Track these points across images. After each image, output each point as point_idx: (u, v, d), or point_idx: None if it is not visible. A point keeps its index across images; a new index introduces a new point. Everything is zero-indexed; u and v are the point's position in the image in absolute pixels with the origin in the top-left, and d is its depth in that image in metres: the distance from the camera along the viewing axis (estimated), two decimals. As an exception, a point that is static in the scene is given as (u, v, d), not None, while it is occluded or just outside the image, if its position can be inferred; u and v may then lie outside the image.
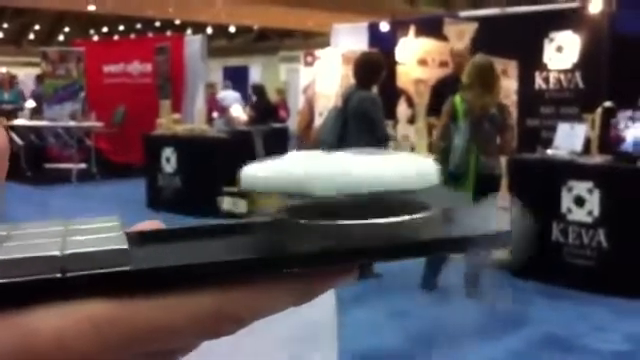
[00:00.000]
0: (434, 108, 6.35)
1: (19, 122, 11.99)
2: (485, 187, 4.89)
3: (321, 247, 0.30)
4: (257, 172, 0.32)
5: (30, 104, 12.98)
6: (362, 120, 5.22)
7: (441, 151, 5.08)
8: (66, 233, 0.29)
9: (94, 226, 0.30)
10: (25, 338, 0.26)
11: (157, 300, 0.28)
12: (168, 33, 22.48)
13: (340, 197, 0.30)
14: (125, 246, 0.28)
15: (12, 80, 13.77)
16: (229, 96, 12.97)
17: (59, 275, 0.27)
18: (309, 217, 0.31)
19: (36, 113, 12.51)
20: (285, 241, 0.30)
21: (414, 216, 0.31)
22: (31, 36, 28.84)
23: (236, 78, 17.58)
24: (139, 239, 0.30)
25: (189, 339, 0.30)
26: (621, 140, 5.50)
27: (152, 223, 0.34)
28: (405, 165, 0.32)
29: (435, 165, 0.34)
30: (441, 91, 6.28)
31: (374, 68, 5.45)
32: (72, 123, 11.74)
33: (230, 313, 0.30)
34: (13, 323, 0.26)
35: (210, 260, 0.29)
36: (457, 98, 5.04)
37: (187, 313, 0.29)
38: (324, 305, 1.99)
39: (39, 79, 13.30)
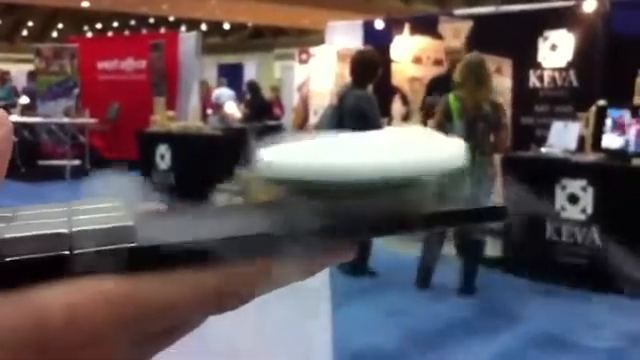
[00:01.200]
0: (427, 106, 6.36)
1: (12, 119, 11.92)
2: (479, 186, 4.88)
3: (320, 225, 0.30)
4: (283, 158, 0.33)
5: (24, 100, 12.94)
6: (358, 119, 5.22)
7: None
8: (71, 213, 0.30)
9: (98, 206, 0.31)
10: (37, 314, 0.26)
11: (163, 276, 0.29)
12: (162, 30, 22.45)
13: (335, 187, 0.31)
14: (131, 223, 0.28)
15: (4, 76, 13.72)
16: (224, 94, 12.95)
17: (67, 252, 0.27)
18: (309, 197, 0.32)
19: (27, 109, 12.47)
20: (285, 219, 0.31)
21: (410, 193, 0.32)
22: (24, 32, 28.75)
23: (231, 75, 17.54)
24: (143, 218, 0.30)
25: (194, 314, 0.31)
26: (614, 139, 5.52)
27: (153, 205, 0.35)
28: (428, 149, 0.33)
29: (460, 147, 0.35)
30: (435, 89, 6.29)
31: (370, 66, 5.44)
32: (66, 119, 11.70)
33: (233, 289, 0.30)
34: (24, 300, 0.26)
35: (213, 237, 0.29)
36: (451, 97, 5.04)
37: (193, 289, 0.29)
38: (319, 305, 1.99)
39: (31, 75, 13.26)
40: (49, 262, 0.27)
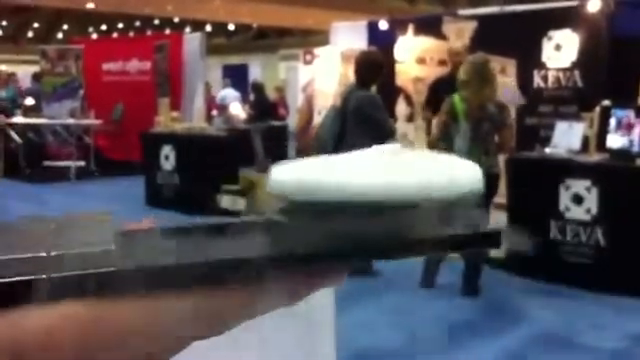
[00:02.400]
0: (431, 105, 6.35)
1: (18, 120, 11.98)
2: (485, 186, 4.88)
3: (309, 248, 0.30)
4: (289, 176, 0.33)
5: (30, 102, 12.98)
6: (361, 120, 5.22)
7: (442, 152, 5.06)
8: (55, 232, 0.30)
9: (84, 224, 0.31)
10: (13, 336, 0.26)
11: (141, 300, 0.28)
12: (167, 31, 22.47)
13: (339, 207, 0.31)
14: (111, 247, 0.28)
15: (9, 78, 13.76)
16: (229, 94, 12.96)
17: (45, 276, 0.27)
18: (299, 219, 0.31)
19: (31, 111, 12.50)
20: (273, 242, 0.30)
21: (403, 217, 0.31)
22: (30, 34, 28.80)
23: (235, 76, 17.55)
24: (127, 238, 0.30)
25: (173, 340, 0.30)
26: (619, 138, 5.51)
27: (147, 221, 0.34)
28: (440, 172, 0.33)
29: (473, 171, 0.34)
30: (439, 90, 6.28)
31: (374, 67, 5.44)
32: (71, 121, 11.73)
33: (215, 315, 0.29)
34: (1, 322, 0.27)
35: (194, 261, 0.29)
36: (456, 97, 5.04)
37: (171, 314, 0.29)
38: (323, 304, 1.99)
39: (35, 77, 13.29)
40: (27, 285, 0.27)
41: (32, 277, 0.27)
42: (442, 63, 7.87)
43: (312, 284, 0.32)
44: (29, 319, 0.27)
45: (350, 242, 0.30)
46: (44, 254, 0.28)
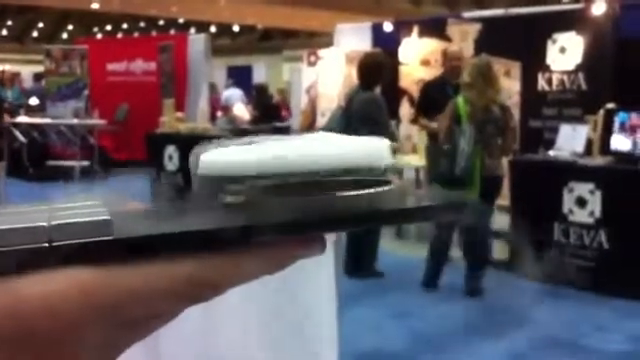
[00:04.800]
0: (423, 109, 6.33)
1: (22, 119, 12.01)
2: (487, 189, 4.89)
3: (288, 218, 0.32)
4: (221, 157, 0.35)
5: (34, 101, 13.00)
6: (365, 122, 5.23)
7: (445, 155, 5.07)
8: (51, 209, 0.31)
9: (77, 204, 0.32)
10: (13, 304, 0.27)
11: (138, 267, 0.29)
12: (172, 32, 22.50)
13: (310, 176, 0.33)
14: (108, 217, 0.29)
15: (14, 78, 13.79)
16: (234, 94, 12.97)
17: (46, 244, 0.28)
18: (279, 194, 0.33)
19: (34, 111, 12.53)
20: (256, 214, 0.32)
21: (372, 190, 0.33)
22: (35, 34, 28.87)
23: (240, 77, 17.54)
24: (121, 214, 0.31)
25: (169, 304, 0.31)
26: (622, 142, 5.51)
27: (134, 204, 0.35)
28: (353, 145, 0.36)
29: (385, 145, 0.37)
30: (430, 92, 6.27)
31: (377, 69, 5.45)
32: (75, 121, 11.75)
33: (205, 279, 0.31)
34: (2, 290, 0.27)
35: (186, 230, 0.30)
36: (459, 100, 5.03)
37: (166, 279, 0.30)
38: (325, 306, 1.99)
39: (37, 77, 13.31)
40: (27, 254, 0.28)
41: (33, 245, 0.28)
42: (446, 65, 7.87)
43: (293, 252, 0.34)
44: (30, 286, 0.27)
45: (324, 212, 0.32)
46: (44, 224, 0.28)
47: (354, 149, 0.35)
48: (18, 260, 0.27)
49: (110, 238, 0.29)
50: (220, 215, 0.33)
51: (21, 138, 11.62)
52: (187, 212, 0.34)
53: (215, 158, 0.36)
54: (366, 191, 0.33)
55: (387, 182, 0.34)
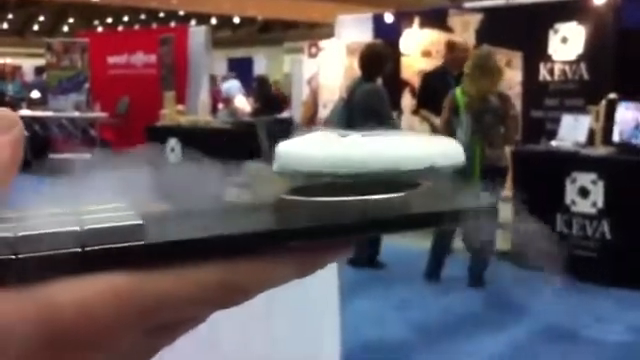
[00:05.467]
0: (423, 100, 6.33)
1: (23, 113, 12.01)
2: (490, 179, 4.88)
3: (319, 222, 0.31)
4: (299, 151, 0.35)
5: (35, 95, 13.00)
6: (368, 113, 5.23)
7: None
8: (81, 212, 0.30)
9: (106, 206, 0.31)
10: (48, 310, 0.27)
11: (170, 271, 0.29)
12: (172, 24, 22.47)
13: (341, 176, 0.33)
14: (140, 221, 0.29)
15: (15, 71, 13.79)
16: (233, 86, 12.96)
17: (79, 249, 0.28)
18: (309, 195, 0.33)
19: (36, 104, 12.53)
20: (286, 217, 0.32)
21: (402, 193, 0.33)
22: (35, 27, 28.84)
23: (240, 69, 17.54)
24: (150, 217, 0.30)
25: (200, 308, 0.32)
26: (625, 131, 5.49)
27: (159, 205, 0.35)
28: (420, 145, 0.34)
29: (455, 145, 0.36)
30: (430, 83, 6.26)
31: (379, 60, 5.45)
32: (76, 114, 11.75)
33: (236, 284, 0.31)
34: (37, 296, 0.27)
35: (217, 234, 0.30)
36: (458, 91, 5.04)
37: (197, 284, 0.30)
38: (328, 297, 2.00)
39: (38, 71, 13.30)
40: (61, 259, 0.27)
41: (67, 250, 0.28)
42: (448, 56, 7.85)
43: (322, 257, 0.34)
44: (66, 292, 0.27)
45: (353, 216, 0.32)
46: (77, 228, 0.28)
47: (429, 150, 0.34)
48: (52, 266, 0.27)
49: (142, 243, 0.29)
50: (252, 218, 0.33)
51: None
52: (217, 214, 0.34)
53: (289, 149, 0.36)
54: (396, 195, 0.33)
55: (416, 185, 0.34)
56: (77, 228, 0.28)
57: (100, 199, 0.32)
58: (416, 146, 0.34)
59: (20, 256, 0.27)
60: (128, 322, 0.29)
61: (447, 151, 0.35)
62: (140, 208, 0.31)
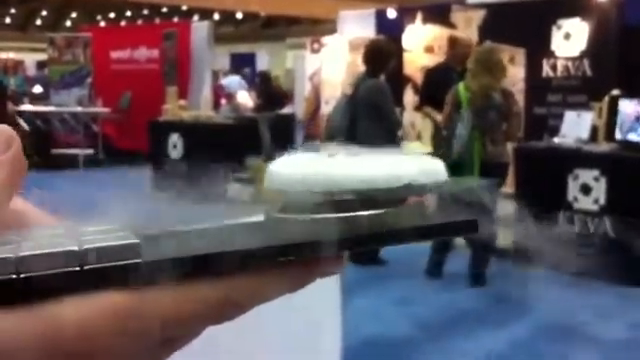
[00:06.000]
0: (426, 96, 6.32)
1: (26, 107, 12.02)
2: (492, 175, 4.88)
3: (311, 238, 0.32)
4: (285, 170, 0.36)
5: (37, 89, 13.01)
6: (371, 109, 5.22)
7: (444, 140, 5.08)
8: (79, 233, 0.31)
9: (102, 228, 0.32)
10: (49, 329, 0.27)
11: (167, 289, 0.30)
12: (175, 19, 22.47)
13: (330, 194, 0.34)
14: (137, 240, 0.30)
15: (17, 66, 13.80)
16: (233, 82, 12.96)
17: (78, 268, 0.28)
18: (301, 212, 0.34)
19: (38, 99, 12.54)
20: (279, 234, 0.33)
21: (392, 209, 0.34)
22: (38, 22, 28.84)
23: (243, 65, 17.55)
24: (146, 237, 0.31)
25: (196, 325, 0.32)
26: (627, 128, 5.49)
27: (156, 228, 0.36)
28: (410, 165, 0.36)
29: (440, 165, 0.37)
30: (433, 79, 6.25)
31: (383, 55, 5.44)
32: (79, 109, 11.76)
33: (233, 299, 0.32)
34: (37, 314, 0.27)
35: (213, 252, 0.31)
36: (461, 87, 5.03)
37: (195, 300, 0.31)
38: (329, 293, 2.00)
39: (40, 65, 13.30)
40: (61, 278, 0.28)
41: (66, 270, 0.28)
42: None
43: (312, 272, 0.34)
44: (66, 312, 0.28)
45: (346, 231, 0.33)
46: (76, 248, 0.29)
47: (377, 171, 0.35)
48: (52, 284, 0.28)
49: (139, 261, 0.29)
50: (247, 234, 0.34)
51: (25, 126, 11.64)
52: (215, 232, 0.34)
53: (277, 170, 0.37)
54: (386, 210, 0.34)
55: (402, 201, 0.35)
56: (76, 248, 0.29)
57: (98, 222, 0.33)
58: (395, 165, 0.35)
59: (22, 275, 0.28)
60: (126, 339, 0.29)
61: (427, 169, 0.36)
62: (137, 229, 0.32)
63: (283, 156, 0.37)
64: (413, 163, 0.36)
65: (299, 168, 0.35)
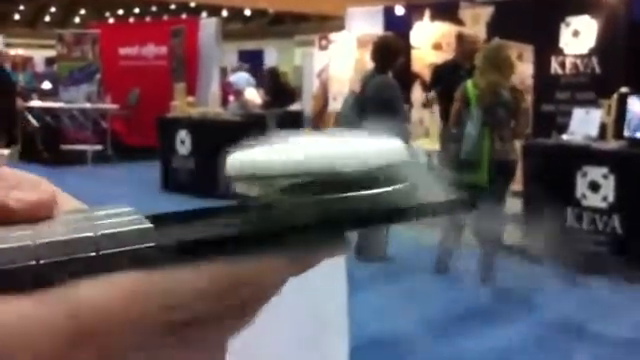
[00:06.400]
0: (431, 89, 6.36)
1: (35, 104, 12.06)
2: (500, 173, 4.87)
3: (312, 220, 0.33)
4: (247, 157, 0.37)
5: (46, 85, 13.05)
6: (380, 105, 5.23)
7: (453, 138, 5.07)
8: (91, 218, 0.32)
9: (116, 211, 0.33)
10: (73, 306, 0.28)
11: (182, 271, 0.31)
12: (183, 16, 22.49)
13: (328, 175, 0.34)
14: (150, 225, 0.31)
15: (26, 62, 13.83)
16: (241, 78, 12.97)
17: (95, 253, 0.29)
18: (302, 195, 0.35)
19: (47, 95, 12.58)
20: (283, 216, 0.34)
21: (389, 188, 0.35)
22: (47, 18, 28.90)
23: (251, 62, 17.54)
24: (155, 220, 0.32)
25: (213, 305, 0.33)
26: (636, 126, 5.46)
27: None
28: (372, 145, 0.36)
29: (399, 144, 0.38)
30: (441, 76, 6.25)
31: (391, 52, 5.44)
32: (87, 105, 11.79)
33: (246, 281, 0.33)
34: (57, 298, 0.28)
35: (222, 234, 0.32)
36: (469, 84, 5.02)
37: (210, 278, 0.31)
38: (335, 290, 2.00)
39: (49, 62, 13.34)
40: (79, 263, 0.29)
41: (83, 255, 0.29)
42: (459, 49, 7.82)
43: (318, 252, 0.35)
44: (86, 292, 0.29)
45: (347, 211, 0.34)
46: (92, 234, 0.30)
47: (371, 149, 0.36)
48: (71, 270, 0.29)
49: (154, 244, 0.30)
50: (252, 218, 0.35)
51: (34, 122, 11.68)
52: (221, 216, 0.36)
53: (243, 158, 0.37)
54: (385, 189, 0.35)
55: (401, 181, 0.36)
56: (92, 234, 0.30)
57: (111, 206, 0.34)
58: (355, 147, 0.36)
59: (41, 262, 0.28)
60: (145, 319, 0.30)
61: (384, 151, 0.36)
62: (146, 214, 0.33)
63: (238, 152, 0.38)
64: (374, 144, 0.36)
65: (264, 154, 0.36)
